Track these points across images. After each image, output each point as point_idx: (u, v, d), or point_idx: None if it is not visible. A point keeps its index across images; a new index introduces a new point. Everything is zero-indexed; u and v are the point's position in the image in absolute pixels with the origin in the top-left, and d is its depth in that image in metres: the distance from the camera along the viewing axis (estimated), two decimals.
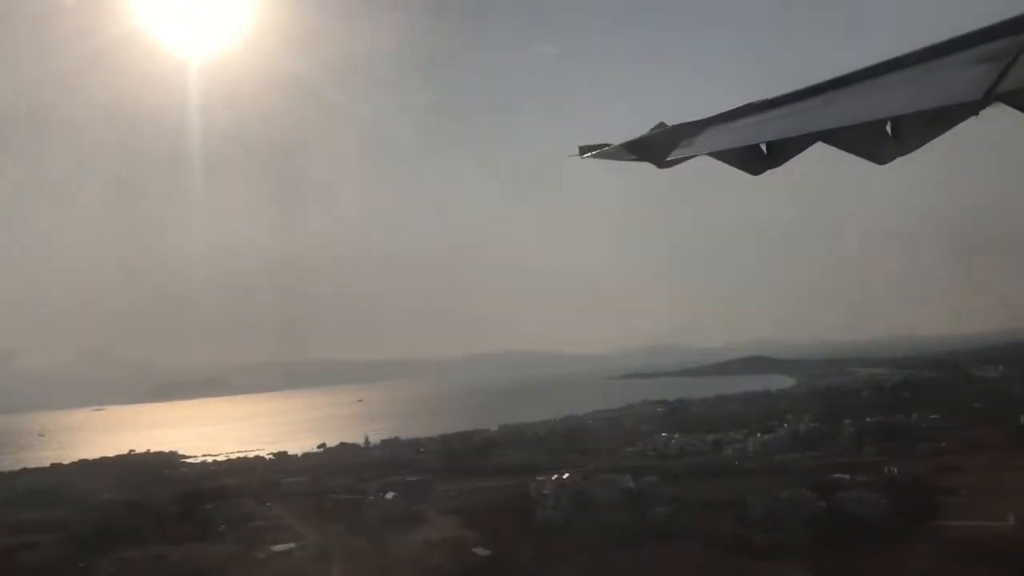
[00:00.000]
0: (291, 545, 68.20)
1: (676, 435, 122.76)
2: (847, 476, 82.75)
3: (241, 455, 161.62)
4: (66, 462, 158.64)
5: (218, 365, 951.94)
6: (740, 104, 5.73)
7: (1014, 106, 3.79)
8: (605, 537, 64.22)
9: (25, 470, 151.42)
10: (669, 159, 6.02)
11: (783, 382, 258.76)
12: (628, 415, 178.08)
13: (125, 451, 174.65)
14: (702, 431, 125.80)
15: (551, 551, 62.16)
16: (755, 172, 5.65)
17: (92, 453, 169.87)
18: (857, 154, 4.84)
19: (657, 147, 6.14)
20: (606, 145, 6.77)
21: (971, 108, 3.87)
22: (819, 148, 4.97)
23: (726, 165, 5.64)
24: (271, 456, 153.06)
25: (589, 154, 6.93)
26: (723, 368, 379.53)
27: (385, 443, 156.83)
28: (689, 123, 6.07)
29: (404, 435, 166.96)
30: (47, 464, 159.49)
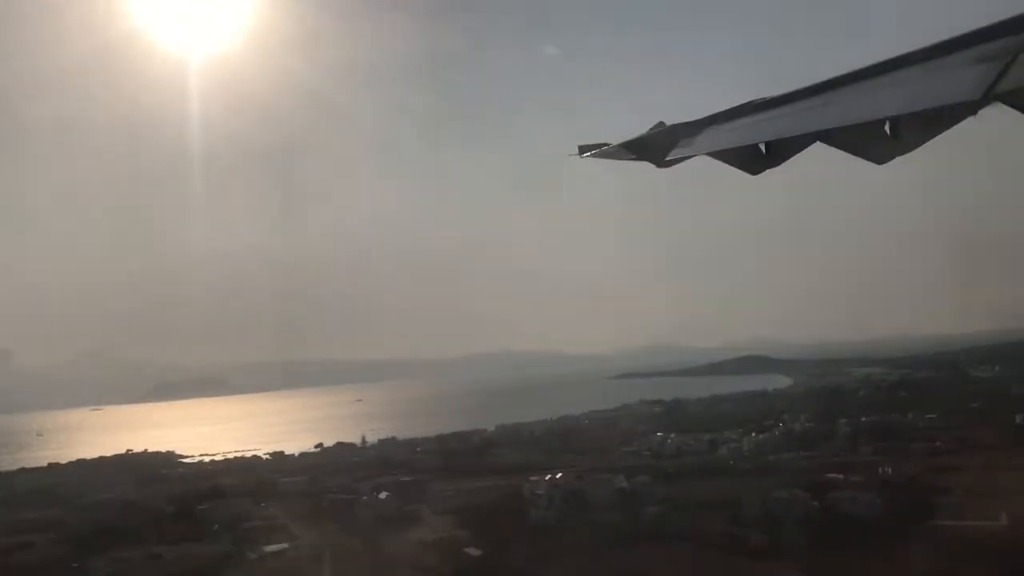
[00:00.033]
0: (284, 545, 68.23)
1: (672, 435, 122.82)
2: (841, 476, 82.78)
3: (238, 455, 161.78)
4: (64, 462, 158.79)
5: (217, 365, 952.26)
6: (739, 104, 5.79)
7: (1013, 106, 3.82)
8: (598, 537, 64.23)
9: (23, 470, 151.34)
10: (668, 159, 6.06)
11: (780, 382, 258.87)
12: (625, 415, 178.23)
13: (123, 451, 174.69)
14: (698, 431, 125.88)
15: (543, 551, 62.13)
16: (754, 172, 5.67)
17: (90, 453, 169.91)
18: (856, 154, 4.88)
19: (656, 147, 6.19)
20: (605, 144, 6.80)
21: (970, 108, 3.91)
22: (818, 148, 5.02)
23: (725, 165, 5.67)
24: (268, 456, 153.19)
25: (588, 153, 6.96)
26: (721, 368, 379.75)
27: (382, 443, 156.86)
28: (688, 123, 6.12)
29: (401, 435, 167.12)
30: (45, 464, 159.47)
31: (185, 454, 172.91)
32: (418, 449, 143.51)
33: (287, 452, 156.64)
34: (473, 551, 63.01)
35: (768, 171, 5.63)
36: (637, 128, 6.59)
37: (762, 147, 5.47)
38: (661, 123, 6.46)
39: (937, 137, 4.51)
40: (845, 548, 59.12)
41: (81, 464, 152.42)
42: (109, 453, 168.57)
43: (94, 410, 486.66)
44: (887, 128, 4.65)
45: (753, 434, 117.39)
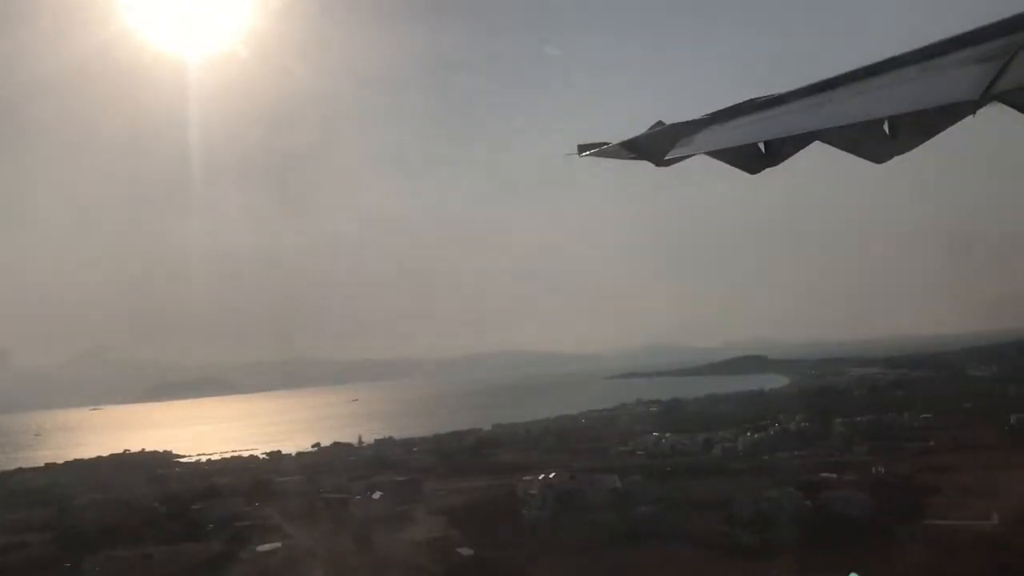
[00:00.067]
0: (276, 545, 68.35)
1: (667, 434, 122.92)
2: (834, 475, 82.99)
3: (235, 454, 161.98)
4: (60, 462, 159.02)
5: (216, 365, 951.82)
6: (738, 103, 5.77)
7: (1011, 105, 3.80)
8: (589, 537, 64.38)
9: (20, 470, 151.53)
10: (667, 158, 6.03)
11: (777, 381, 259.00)
12: (622, 415, 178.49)
13: (120, 451, 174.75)
14: (693, 430, 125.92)
15: (535, 551, 62.32)
16: (753, 171, 5.65)
17: (87, 453, 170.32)
18: (855, 153, 4.86)
19: (655, 146, 6.16)
20: (604, 144, 6.76)
21: (968, 107, 3.87)
22: (817, 147, 5.01)
23: (724, 164, 5.66)
24: (265, 455, 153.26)
25: (587, 153, 6.92)
26: (719, 368, 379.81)
27: (379, 443, 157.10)
28: (687, 122, 6.09)
29: (398, 435, 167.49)
30: (42, 464, 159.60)
31: (182, 454, 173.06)
32: (414, 449, 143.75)
33: (284, 452, 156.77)
34: (465, 550, 63.09)
35: (767, 170, 5.62)
36: (636, 127, 6.57)
37: (761, 146, 5.48)
38: (660, 122, 6.44)
39: (935, 137, 4.52)
40: (836, 547, 59.18)
41: (78, 464, 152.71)
42: (106, 453, 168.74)
43: (93, 410, 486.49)
44: (886, 127, 4.66)
45: (748, 434, 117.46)
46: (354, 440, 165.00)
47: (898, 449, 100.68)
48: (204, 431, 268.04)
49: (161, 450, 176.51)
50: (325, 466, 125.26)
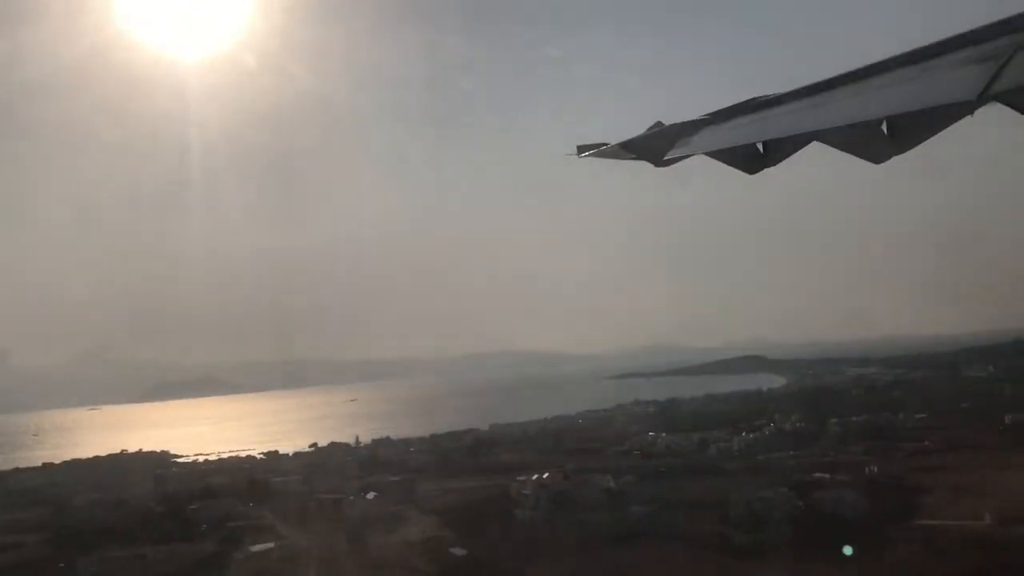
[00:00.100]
0: (270, 545, 68.51)
1: (663, 434, 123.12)
2: (827, 475, 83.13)
3: (232, 454, 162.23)
4: (58, 462, 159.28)
5: (215, 365, 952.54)
6: (737, 103, 5.81)
7: (1009, 105, 3.81)
8: (582, 537, 64.56)
9: (17, 470, 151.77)
10: (666, 158, 6.05)
11: (774, 381, 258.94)
12: (619, 415, 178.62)
13: (117, 451, 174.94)
14: (689, 430, 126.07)
15: (527, 551, 62.49)
16: (751, 171, 5.66)
17: (85, 453, 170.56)
18: (853, 153, 4.85)
19: (654, 146, 6.18)
20: (604, 144, 6.77)
21: (966, 108, 3.90)
22: (815, 147, 5.01)
23: (723, 164, 5.68)
24: (262, 456, 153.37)
25: (587, 153, 6.92)
26: (717, 367, 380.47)
27: (376, 443, 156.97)
28: (686, 122, 6.12)
29: (395, 435, 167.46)
30: (39, 464, 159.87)
31: (180, 454, 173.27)
32: (411, 449, 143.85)
33: (281, 452, 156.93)
34: (458, 551, 63.28)
35: (766, 171, 5.65)
36: (635, 128, 6.60)
37: (760, 147, 5.50)
38: (659, 123, 6.48)
39: (934, 137, 4.52)
40: (827, 547, 59.39)
41: (75, 464, 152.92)
42: (104, 453, 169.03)
43: (91, 410, 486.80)
44: (884, 128, 4.66)
45: (743, 434, 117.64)
46: (351, 440, 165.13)
47: (892, 449, 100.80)
48: (202, 431, 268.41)
49: (159, 450, 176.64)
50: (322, 466, 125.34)
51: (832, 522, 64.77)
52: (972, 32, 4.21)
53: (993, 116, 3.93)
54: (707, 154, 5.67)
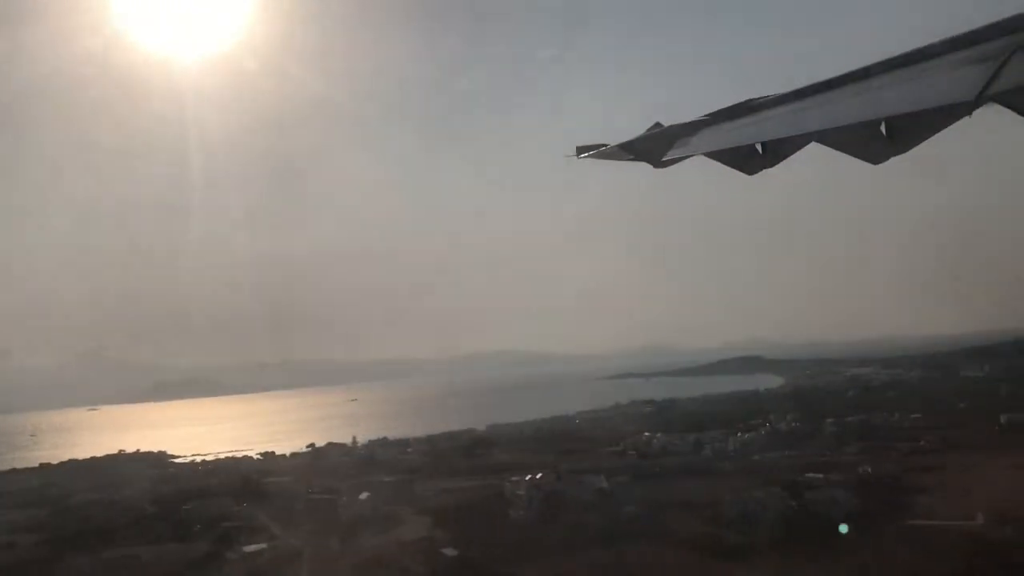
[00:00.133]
0: (262, 545, 68.53)
1: (658, 434, 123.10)
2: (821, 475, 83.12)
3: (230, 455, 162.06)
4: (55, 462, 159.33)
5: (215, 365, 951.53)
6: (735, 104, 5.86)
7: (1008, 106, 3.83)
8: (573, 537, 64.58)
9: (14, 470, 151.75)
10: (665, 159, 6.09)
11: (772, 382, 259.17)
12: (616, 415, 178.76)
13: (115, 451, 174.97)
14: (685, 431, 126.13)
15: (519, 551, 62.47)
16: (750, 172, 5.67)
17: (82, 453, 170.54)
18: (852, 154, 4.85)
19: (653, 147, 6.23)
20: (603, 145, 6.82)
21: (965, 108, 3.92)
22: (814, 148, 5.02)
23: (722, 165, 5.69)
24: (259, 456, 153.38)
25: (586, 155, 6.95)
26: (716, 368, 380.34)
27: (373, 443, 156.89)
28: (685, 123, 6.14)
29: (393, 435, 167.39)
30: (36, 464, 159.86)
31: (177, 454, 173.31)
32: (408, 449, 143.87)
33: (278, 452, 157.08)
34: (450, 551, 63.26)
35: (764, 171, 5.66)
36: (634, 129, 6.64)
37: (758, 147, 5.50)
38: (658, 124, 6.52)
39: (932, 138, 4.55)
40: (817, 547, 59.48)
41: (72, 464, 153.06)
42: (101, 453, 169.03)
43: (90, 410, 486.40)
44: (883, 128, 4.67)
45: (739, 434, 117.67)
46: (349, 441, 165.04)
47: (887, 449, 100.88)
48: (201, 432, 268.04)
49: (156, 451, 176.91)
50: (318, 467, 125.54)
51: (824, 522, 64.72)
52: (970, 33, 4.26)
53: (992, 117, 3.99)
54: (706, 155, 5.72)
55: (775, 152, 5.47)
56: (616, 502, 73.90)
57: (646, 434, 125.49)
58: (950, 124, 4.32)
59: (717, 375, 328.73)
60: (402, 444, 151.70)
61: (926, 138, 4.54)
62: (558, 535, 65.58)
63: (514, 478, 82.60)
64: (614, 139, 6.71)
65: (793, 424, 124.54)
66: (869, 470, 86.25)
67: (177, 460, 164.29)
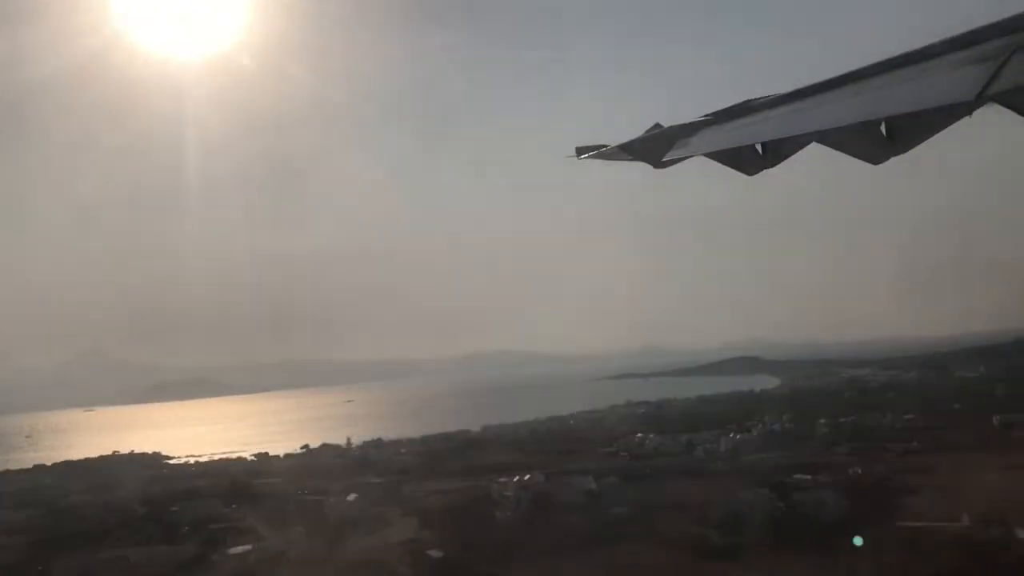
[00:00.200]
0: (248, 547, 68.35)
1: (651, 435, 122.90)
2: (809, 477, 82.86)
3: (223, 456, 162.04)
4: (49, 463, 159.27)
5: (214, 366, 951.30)
6: (735, 104, 5.83)
7: (1007, 106, 3.82)
8: (560, 538, 64.41)
9: (7, 471, 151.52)
10: (665, 160, 6.06)
11: (769, 382, 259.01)
12: (611, 416, 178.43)
13: (109, 452, 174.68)
14: (679, 431, 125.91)
15: (504, 553, 62.32)
16: (750, 173, 5.66)
17: (77, 454, 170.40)
18: (852, 154, 4.85)
19: (653, 148, 6.21)
20: (603, 146, 6.81)
21: (965, 108, 3.92)
22: (814, 148, 5.02)
23: (721, 165, 5.68)
24: (252, 457, 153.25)
25: (586, 155, 6.94)
26: (714, 369, 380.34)
27: (367, 444, 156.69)
28: (685, 124, 6.14)
29: (388, 436, 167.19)
30: (30, 465, 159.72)
31: (171, 455, 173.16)
32: (402, 451, 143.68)
33: (272, 453, 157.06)
34: (435, 553, 63.07)
35: (764, 172, 5.65)
36: (634, 129, 6.64)
37: (758, 148, 5.49)
38: (658, 124, 6.50)
39: (932, 137, 4.54)
40: (803, 548, 59.24)
41: (66, 465, 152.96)
42: (96, 455, 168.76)
43: (87, 411, 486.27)
44: (883, 128, 4.67)
45: (731, 435, 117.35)
46: (343, 442, 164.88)
47: (879, 450, 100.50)
48: (198, 432, 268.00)
49: (150, 451, 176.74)
50: (310, 468, 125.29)
51: (812, 524, 64.47)
52: (970, 33, 4.22)
53: (992, 117, 3.95)
54: (706, 155, 5.70)
55: (775, 152, 5.47)
56: (604, 503, 73.74)
57: (639, 435, 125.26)
58: (950, 124, 4.31)
59: (715, 376, 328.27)
60: (396, 445, 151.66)
61: (926, 138, 4.54)
62: (544, 536, 65.39)
63: (502, 479, 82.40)
64: (614, 140, 6.73)
65: (787, 425, 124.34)
66: (859, 471, 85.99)
67: (171, 461, 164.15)
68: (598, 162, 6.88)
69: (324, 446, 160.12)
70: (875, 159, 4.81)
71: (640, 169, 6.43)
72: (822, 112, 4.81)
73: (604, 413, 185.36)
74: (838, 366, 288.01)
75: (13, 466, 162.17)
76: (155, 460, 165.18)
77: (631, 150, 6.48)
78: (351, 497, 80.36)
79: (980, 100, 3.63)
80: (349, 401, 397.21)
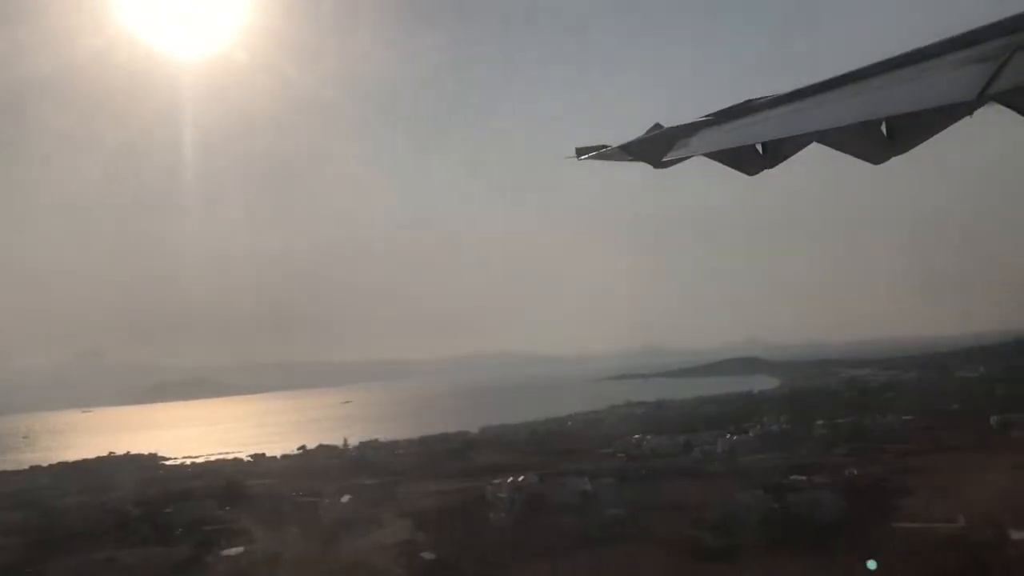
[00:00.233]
0: (240, 549, 68.12)
1: (648, 436, 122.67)
2: (805, 477, 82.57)
3: (220, 457, 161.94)
4: (46, 464, 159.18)
5: (211, 366, 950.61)
6: (735, 105, 5.78)
7: (1008, 106, 3.79)
8: (553, 539, 64.11)
9: (4, 472, 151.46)
10: (665, 160, 6.05)
11: (768, 383, 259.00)
12: (609, 416, 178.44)
13: (105, 453, 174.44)
14: (676, 432, 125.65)
15: (496, 555, 62.10)
16: (751, 173, 5.65)
17: (73, 455, 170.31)
18: (852, 154, 4.85)
19: (653, 148, 6.19)
20: (603, 146, 6.79)
21: (965, 108, 3.90)
22: (814, 148, 5.01)
23: (721, 165, 5.66)
24: (249, 458, 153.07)
25: (586, 156, 6.92)
26: (714, 369, 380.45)
27: (364, 445, 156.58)
28: (685, 124, 6.11)
29: (385, 437, 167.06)
30: (27, 467, 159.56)
31: (168, 456, 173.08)
32: (399, 451, 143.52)
33: (268, 454, 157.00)
34: (428, 555, 62.79)
35: (764, 172, 5.63)
36: (634, 130, 6.64)
37: (759, 148, 5.47)
38: (658, 124, 6.46)
39: (932, 137, 4.52)
40: (798, 550, 58.96)
41: (62, 466, 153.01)
42: (92, 456, 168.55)
43: (85, 412, 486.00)
44: (883, 128, 4.66)
45: (729, 436, 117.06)
46: (340, 443, 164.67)
47: (876, 451, 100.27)
48: (195, 433, 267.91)
49: (147, 452, 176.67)
50: (307, 469, 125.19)
51: (807, 525, 64.16)
52: (970, 33, 4.20)
53: (992, 117, 3.92)
54: (706, 155, 5.69)
55: (775, 152, 5.46)
56: (599, 504, 73.47)
57: (636, 436, 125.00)
58: (950, 124, 4.31)
59: (715, 376, 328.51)
60: (392, 446, 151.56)
61: (926, 138, 4.54)
62: (537, 538, 65.13)
63: (496, 480, 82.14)
64: (614, 140, 6.71)
65: (785, 426, 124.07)
66: (855, 472, 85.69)
67: (167, 462, 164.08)
68: (598, 162, 6.86)
69: (321, 447, 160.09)
70: (875, 159, 4.81)
71: (640, 169, 6.41)
72: (822, 112, 4.82)
73: (603, 414, 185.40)
74: (838, 366, 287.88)
75: (10, 467, 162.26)
76: (151, 461, 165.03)
77: (631, 150, 6.47)
78: (345, 498, 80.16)
79: (980, 100, 3.62)
80: (347, 402, 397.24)
